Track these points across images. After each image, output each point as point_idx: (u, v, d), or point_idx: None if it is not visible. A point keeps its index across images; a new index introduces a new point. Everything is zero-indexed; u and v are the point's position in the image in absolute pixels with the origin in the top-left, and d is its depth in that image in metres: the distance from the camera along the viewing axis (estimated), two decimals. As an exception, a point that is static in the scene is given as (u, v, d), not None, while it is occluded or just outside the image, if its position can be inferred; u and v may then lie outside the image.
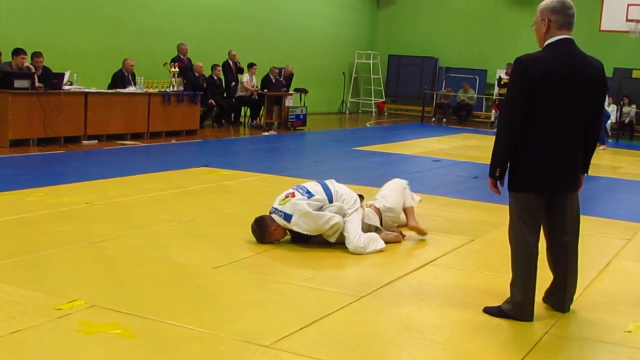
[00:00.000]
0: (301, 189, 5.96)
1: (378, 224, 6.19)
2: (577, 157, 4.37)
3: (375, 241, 5.89)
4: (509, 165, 4.32)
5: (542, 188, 4.31)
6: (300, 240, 5.88)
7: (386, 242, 5.98)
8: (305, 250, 5.76)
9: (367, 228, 6.03)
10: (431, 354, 3.84)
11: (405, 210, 6.50)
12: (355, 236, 5.77)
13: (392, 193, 6.46)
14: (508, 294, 4.43)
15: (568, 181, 4.36)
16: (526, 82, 4.14)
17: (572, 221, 4.48)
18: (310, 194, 5.89)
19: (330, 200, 5.91)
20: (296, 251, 5.74)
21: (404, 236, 6.31)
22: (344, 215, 5.83)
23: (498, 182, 4.34)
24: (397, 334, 4.10)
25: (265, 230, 5.84)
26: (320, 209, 5.83)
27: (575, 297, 4.66)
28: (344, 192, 6.05)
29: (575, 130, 4.30)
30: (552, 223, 4.45)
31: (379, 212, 6.30)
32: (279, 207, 5.86)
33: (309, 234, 5.80)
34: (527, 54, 4.25)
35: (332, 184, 6.08)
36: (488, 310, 4.47)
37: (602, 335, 4.28)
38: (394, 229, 6.35)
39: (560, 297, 4.57)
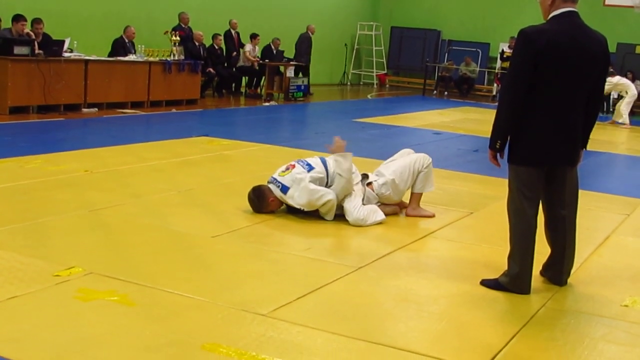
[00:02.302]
0: (302, 161, 5.95)
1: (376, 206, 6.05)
2: (578, 131, 4.36)
3: (376, 212, 5.88)
4: (509, 138, 4.30)
5: (542, 162, 4.29)
6: (296, 211, 5.87)
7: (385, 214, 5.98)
8: (304, 220, 5.75)
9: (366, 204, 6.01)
10: (428, 326, 3.85)
11: (411, 194, 6.24)
12: (355, 208, 5.76)
13: (400, 176, 6.09)
14: (506, 267, 4.44)
15: (568, 155, 4.35)
16: (530, 54, 4.11)
17: (571, 195, 4.47)
18: (310, 167, 5.87)
19: (328, 175, 5.89)
20: (294, 221, 5.74)
21: (402, 209, 6.30)
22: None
23: (498, 155, 4.34)
24: (394, 305, 4.11)
25: (263, 201, 5.84)
26: (319, 182, 5.79)
27: (572, 271, 4.67)
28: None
29: (576, 104, 4.28)
30: (551, 197, 4.44)
31: (376, 196, 6.12)
32: (278, 178, 5.85)
33: (302, 208, 5.78)
34: (531, 26, 4.21)
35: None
36: (485, 283, 4.48)
37: (599, 309, 4.29)
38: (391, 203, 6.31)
39: (558, 270, 4.58)
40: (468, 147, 11.18)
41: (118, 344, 3.33)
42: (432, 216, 6.21)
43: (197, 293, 4.01)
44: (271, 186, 5.86)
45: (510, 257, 4.40)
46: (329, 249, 5.17)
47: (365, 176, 6.20)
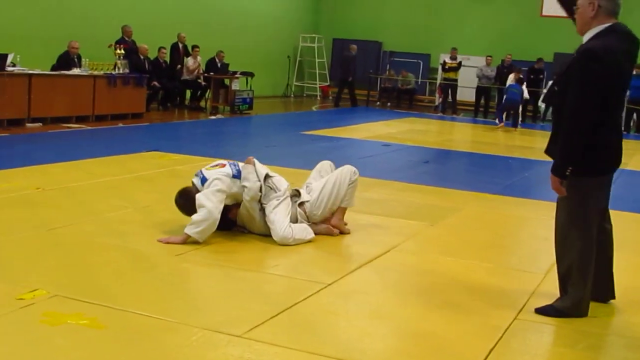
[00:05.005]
0: (234, 165, 5.61)
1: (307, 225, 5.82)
2: None
3: (304, 230, 5.64)
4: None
5: (616, 166, 4.29)
6: (224, 227, 5.60)
7: (316, 234, 5.74)
8: (267, 237, 5.65)
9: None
10: (405, 343, 3.82)
11: (338, 207, 5.95)
12: (281, 227, 5.49)
13: (330, 198, 5.86)
14: (559, 294, 4.38)
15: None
16: (602, 75, 4.00)
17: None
18: (239, 173, 5.53)
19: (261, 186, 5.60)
20: (257, 237, 5.64)
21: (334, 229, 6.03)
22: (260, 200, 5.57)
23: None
24: (369, 322, 4.06)
25: (191, 200, 5.45)
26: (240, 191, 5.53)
27: (540, 281, 4.71)
28: (275, 183, 5.71)
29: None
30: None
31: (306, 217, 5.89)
32: (203, 171, 5.54)
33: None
34: (598, 44, 4.05)
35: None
36: (542, 311, 4.34)
37: (572, 321, 4.31)
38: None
39: (604, 287, 4.50)
40: (418, 158, 11.25)
41: (93, 371, 3.22)
42: (348, 233, 5.96)
43: (167, 314, 3.90)
44: (194, 179, 5.56)
45: (572, 284, 4.27)
46: (295, 266, 5.10)
47: (297, 192, 5.92)
